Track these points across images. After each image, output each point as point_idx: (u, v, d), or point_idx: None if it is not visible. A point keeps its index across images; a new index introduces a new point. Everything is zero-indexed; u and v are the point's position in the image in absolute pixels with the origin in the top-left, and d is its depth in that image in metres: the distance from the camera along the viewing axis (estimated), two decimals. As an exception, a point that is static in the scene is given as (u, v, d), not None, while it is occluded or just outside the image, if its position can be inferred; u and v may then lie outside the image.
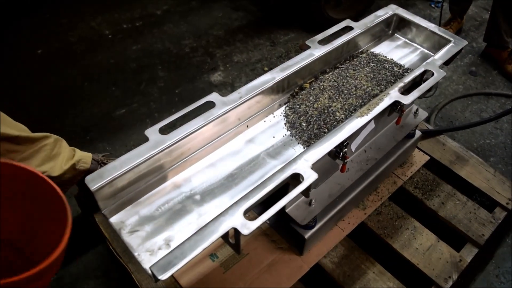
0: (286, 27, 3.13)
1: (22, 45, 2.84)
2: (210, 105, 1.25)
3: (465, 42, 1.52)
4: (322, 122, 1.36)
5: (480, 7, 3.41)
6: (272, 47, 2.95)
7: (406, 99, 1.27)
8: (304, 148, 1.32)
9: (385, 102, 1.26)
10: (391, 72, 1.56)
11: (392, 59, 1.63)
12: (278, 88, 1.40)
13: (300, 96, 1.46)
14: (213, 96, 1.27)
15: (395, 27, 1.71)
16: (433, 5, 3.43)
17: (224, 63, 2.79)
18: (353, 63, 1.60)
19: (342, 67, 1.58)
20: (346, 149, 1.24)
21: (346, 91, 1.46)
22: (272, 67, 2.74)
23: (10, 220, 1.06)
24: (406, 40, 1.70)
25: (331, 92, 1.46)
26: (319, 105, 1.41)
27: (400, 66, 1.59)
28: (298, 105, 1.43)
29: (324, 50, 1.48)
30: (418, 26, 1.64)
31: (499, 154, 2.25)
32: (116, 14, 3.16)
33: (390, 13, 1.66)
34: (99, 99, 2.50)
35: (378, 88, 1.49)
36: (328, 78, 1.52)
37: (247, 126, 1.36)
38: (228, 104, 1.26)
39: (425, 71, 1.40)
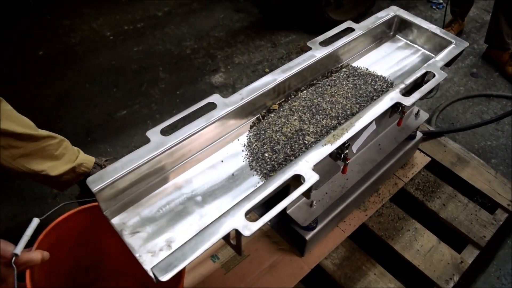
0: (287, 29, 3.13)
1: (23, 46, 2.85)
2: (212, 106, 1.25)
3: (467, 44, 1.52)
4: (289, 149, 1.25)
5: (481, 9, 3.41)
6: (273, 48, 2.96)
7: (407, 101, 1.27)
8: (263, 181, 1.19)
9: (386, 104, 1.26)
10: (373, 87, 1.47)
11: (374, 72, 1.55)
12: (279, 90, 1.40)
13: (267, 120, 1.35)
14: (215, 97, 1.27)
15: (396, 28, 1.71)
16: (434, 7, 3.43)
17: (225, 65, 2.79)
18: (331, 78, 1.51)
19: (318, 84, 1.49)
20: (347, 151, 1.24)
21: (321, 111, 1.36)
22: (273, 68, 2.74)
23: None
24: (408, 42, 1.70)
25: (303, 113, 1.35)
26: (288, 129, 1.30)
27: (384, 80, 1.52)
28: (263, 130, 1.31)
29: (326, 51, 1.48)
30: (419, 27, 1.64)
31: (500, 155, 2.25)
32: (117, 15, 3.17)
33: (391, 14, 1.66)
34: (100, 101, 2.51)
35: (358, 106, 1.39)
36: (301, 97, 1.43)
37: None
38: (230, 105, 1.26)
39: (426, 73, 1.40)
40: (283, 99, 1.43)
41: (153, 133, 1.16)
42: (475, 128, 2.30)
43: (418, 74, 1.37)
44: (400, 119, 1.47)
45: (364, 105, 1.40)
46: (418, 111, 1.70)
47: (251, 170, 1.22)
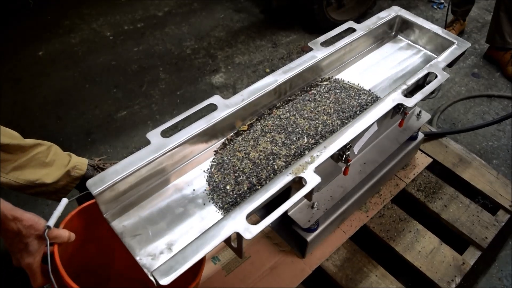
0: (287, 29, 3.13)
1: (23, 47, 2.84)
2: (212, 107, 1.25)
3: (469, 44, 1.51)
4: (255, 179, 1.15)
5: (482, 9, 3.40)
6: (274, 48, 2.95)
7: (409, 102, 1.26)
8: (222, 215, 1.10)
9: (388, 105, 1.26)
10: (357, 102, 1.40)
11: (359, 84, 1.49)
12: (280, 91, 1.39)
13: (233, 146, 1.25)
14: (215, 99, 1.27)
15: (398, 28, 1.70)
16: (435, 7, 3.42)
17: (225, 65, 2.79)
18: (311, 92, 1.44)
19: (297, 99, 1.41)
20: (349, 152, 1.24)
21: (297, 129, 1.28)
22: (274, 68, 2.74)
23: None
24: (409, 42, 1.70)
25: (277, 132, 1.27)
26: (256, 154, 1.21)
27: (369, 94, 1.45)
28: (227, 158, 1.22)
29: (327, 52, 1.47)
30: (421, 27, 1.63)
31: (502, 156, 2.24)
32: (117, 15, 3.16)
33: (393, 14, 1.65)
34: (100, 101, 2.50)
35: (339, 121, 1.32)
36: (275, 115, 1.34)
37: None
38: (230, 107, 1.25)
39: (428, 73, 1.39)
40: (254, 119, 1.33)
41: (153, 135, 1.15)
42: (477, 129, 2.29)
43: (420, 75, 1.37)
44: (401, 120, 1.46)
45: (346, 122, 1.32)
46: (420, 111, 1.70)
47: (209, 201, 1.14)
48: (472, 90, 2.67)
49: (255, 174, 1.16)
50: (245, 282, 1.48)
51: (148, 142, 1.14)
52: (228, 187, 1.15)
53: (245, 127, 1.31)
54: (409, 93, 1.36)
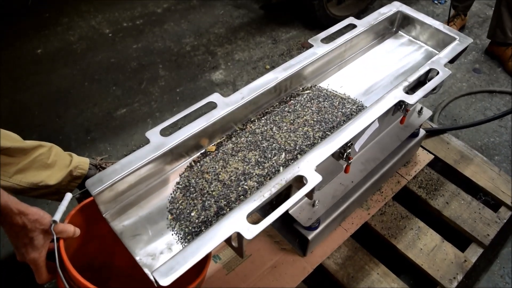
0: (287, 25, 3.11)
1: (21, 45, 2.82)
2: (212, 105, 1.24)
3: (470, 40, 1.50)
4: (224, 202, 1.08)
5: (483, 3, 3.38)
6: (274, 45, 2.93)
7: (411, 99, 1.25)
8: (182, 246, 1.03)
9: (390, 102, 1.24)
10: (342, 111, 1.33)
11: (344, 94, 1.43)
12: (281, 88, 1.38)
13: (201, 168, 1.18)
14: (215, 97, 1.25)
15: (399, 24, 1.69)
16: (436, 2, 3.40)
17: (225, 62, 2.77)
18: (291, 103, 1.37)
19: (274, 111, 1.33)
20: (350, 150, 1.22)
21: (274, 145, 1.20)
22: (274, 65, 2.73)
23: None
24: (410, 38, 1.68)
25: (250, 150, 1.19)
26: (227, 175, 1.14)
27: (354, 102, 1.39)
28: (195, 181, 1.14)
29: (327, 48, 1.46)
30: (422, 23, 1.62)
31: (503, 152, 2.23)
32: (116, 12, 3.14)
33: (394, 10, 1.64)
34: (99, 99, 2.49)
35: (321, 133, 1.25)
36: (249, 131, 1.26)
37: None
38: (230, 105, 1.24)
39: (430, 70, 1.38)
40: (223, 138, 1.26)
41: (153, 134, 1.14)
42: (478, 125, 2.28)
43: (422, 71, 1.36)
44: (403, 117, 1.45)
45: (329, 133, 1.25)
46: (421, 108, 1.68)
47: (167, 228, 1.07)
48: (474, 86, 2.66)
49: (224, 196, 1.09)
50: (246, 280, 1.47)
51: (147, 141, 1.13)
52: (193, 213, 1.07)
53: (213, 148, 1.23)
54: (411, 89, 1.34)
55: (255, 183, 1.12)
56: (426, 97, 2.38)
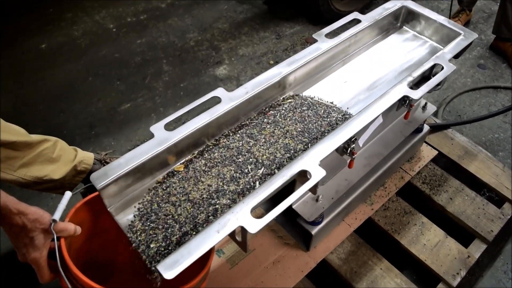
0: (291, 20, 3.10)
1: (25, 40, 2.83)
2: (216, 100, 1.24)
3: (475, 35, 1.49)
4: (190, 226, 0.99)
5: (488, -1, 3.37)
6: (278, 40, 2.93)
7: (415, 94, 1.25)
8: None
9: (394, 97, 1.24)
10: (327, 121, 1.26)
11: (327, 101, 1.36)
12: (284, 83, 1.38)
13: (167, 189, 1.09)
14: (219, 91, 1.25)
15: (403, 19, 1.68)
16: (440, -3, 3.38)
17: (229, 57, 2.77)
18: (271, 113, 1.29)
19: (252, 124, 1.26)
20: (354, 145, 1.22)
21: (251, 158, 1.14)
22: (278, 60, 2.72)
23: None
24: (415, 33, 1.67)
25: (223, 166, 1.12)
26: (197, 194, 1.06)
27: (339, 111, 1.31)
28: (158, 206, 1.05)
29: (331, 43, 1.46)
30: (427, 18, 1.61)
31: (508, 148, 2.22)
32: (120, 8, 3.14)
33: (398, 5, 1.63)
34: (103, 94, 2.49)
35: (303, 145, 1.18)
36: (224, 145, 1.19)
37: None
38: (234, 100, 1.24)
39: (434, 65, 1.37)
40: (194, 154, 1.18)
41: (157, 129, 1.14)
42: (482, 121, 2.27)
43: (426, 66, 1.35)
44: (407, 112, 1.45)
45: (311, 145, 1.18)
46: (426, 103, 1.68)
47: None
48: (478, 82, 2.65)
49: (191, 219, 1.01)
50: (250, 275, 1.48)
51: (151, 136, 1.13)
52: (152, 245, 0.98)
53: (181, 167, 1.14)
54: (415, 85, 1.34)
55: (228, 201, 1.04)
56: (430, 93, 2.37)
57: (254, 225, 0.92)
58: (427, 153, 1.90)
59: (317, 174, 1.03)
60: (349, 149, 1.21)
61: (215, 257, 1.51)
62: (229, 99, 1.24)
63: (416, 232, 1.65)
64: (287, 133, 1.21)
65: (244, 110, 1.28)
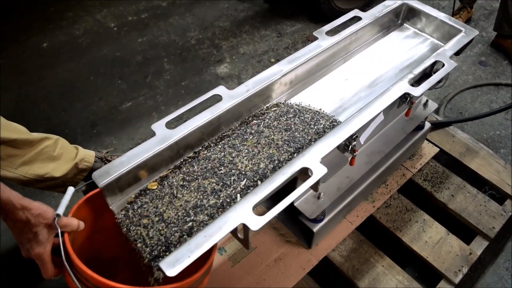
0: (292, 18, 3.10)
1: (27, 39, 2.84)
2: (217, 98, 1.24)
3: (476, 32, 1.49)
4: (162, 248, 0.93)
5: (489, -4, 3.36)
6: (279, 38, 2.93)
7: (416, 91, 1.25)
8: None
9: (395, 94, 1.24)
10: (314, 128, 1.21)
11: (315, 108, 1.31)
12: (285, 81, 1.38)
13: (138, 210, 1.03)
14: (220, 89, 1.26)
15: (404, 17, 1.68)
16: (441, -6, 3.37)
17: (230, 55, 2.77)
18: (254, 122, 1.24)
19: (234, 134, 1.21)
20: (355, 142, 1.23)
21: (234, 170, 1.08)
22: (279, 58, 2.72)
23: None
24: (416, 30, 1.67)
25: (204, 178, 1.07)
26: (173, 213, 1.00)
27: (328, 118, 1.25)
28: (127, 230, 1.00)
29: (332, 41, 1.46)
30: (428, 15, 1.61)
31: (509, 145, 2.22)
32: (121, 6, 3.14)
33: (399, 2, 1.63)
34: (105, 93, 2.49)
35: (287, 154, 1.12)
36: (204, 158, 1.14)
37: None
38: (235, 97, 1.24)
39: (435, 62, 1.37)
40: (170, 169, 1.13)
41: (158, 126, 1.15)
42: (483, 118, 2.27)
43: (427, 63, 1.35)
44: (408, 109, 1.45)
45: (295, 155, 1.12)
46: (427, 101, 1.68)
47: None
48: (479, 79, 2.64)
49: (163, 241, 0.95)
50: (251, 273, 1.48)
51: (153, 134, 1.13)
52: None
53: (154, 185, 1.08)
54: (416, 82, 1.34)
55: (206, 217, 0.98)
56: (431, 90, 2.37)
57: (256, 222, 0.92)
58: (429, 151, 1.90)
59: (319, 171, 1.03)
60: (351, 146, 1.22)
61: (217, 255, 1.52)
62: (230, 97, 1.24)
63: (418, 229, 1.65)
64: (272, 143, 1.16)
65: (245, 107, 1.29)
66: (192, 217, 0.98)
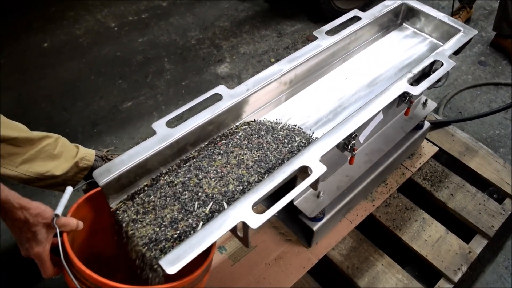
0: (292, 18, 3.11)
1: (28, 38, 2.84)
2: (217, 97, 1.25)
3: (475, 32, 1.50)
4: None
5: (489, -4, 3.36)
6: (279, 38, 2.93)
7: (415, 90, 1.26)
8: None
9: (394, 93, 1.25)
10: (287, 147, 1.16)
11: (290, 125, 1.26)
12: (285, 81, 1.39)
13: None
14: (220, 89, 1.26)
15: (403, 16, 1.69)
16: (441, -6, 3.38)
17: (230, 55, 2.78)
18: (222, 142, 1.19)
19: (200, 156, 1.16)
20: (354, 141, 1.23)
21: (200, 194, 1.04)
22: (279, 58, 2.73)
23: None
24: (415, 30, 1.68)
25: (162, 207, 1.03)
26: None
27: (303, 135, 1.22)
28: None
29: (332, 40, 1.46)
30: (427, 15, 1.61)
31: (508, 144, 2.23)
32: (122, 6, 3.15)
33: (398, 2, 1.64)
34: (106, 92, 2.50)
35: (257, 176, 1.08)
36: (165, 183, 1.09)
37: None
38: (236, 97, 1.25)
39: (434, 61, 1.38)
40: (125, 197, 1.07)
41: (159, 125, 1.15)
42: (483, 117, 2.27)
43: (426, 63, 1.36)
44: (407, 108, 1.45)
45: (266, 176, 1.08)
46: (426, 100, 1.69)
47: None
48: (479, 78, 2.65)
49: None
50: (252, 271, 1.49)
51: (153, 133, 1.14)
52: None
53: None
54: (415, 81, 1.35)
55: (157, 252, 0.95)
56: (431, 89, 2.37)
57: (255, 221, 0.93)
58: (428, 150, 1.90)
59: (318, 169, 1.04)
60: (350, 145, 1.22)
61: (217, 254, 1.52)
62: (230, 96, 1.25)
63: (417, 228, 1.66)
64: (241, 164, 1.11)
65: (245, 107, 1.29)
66: (147, 253, 0.96)
